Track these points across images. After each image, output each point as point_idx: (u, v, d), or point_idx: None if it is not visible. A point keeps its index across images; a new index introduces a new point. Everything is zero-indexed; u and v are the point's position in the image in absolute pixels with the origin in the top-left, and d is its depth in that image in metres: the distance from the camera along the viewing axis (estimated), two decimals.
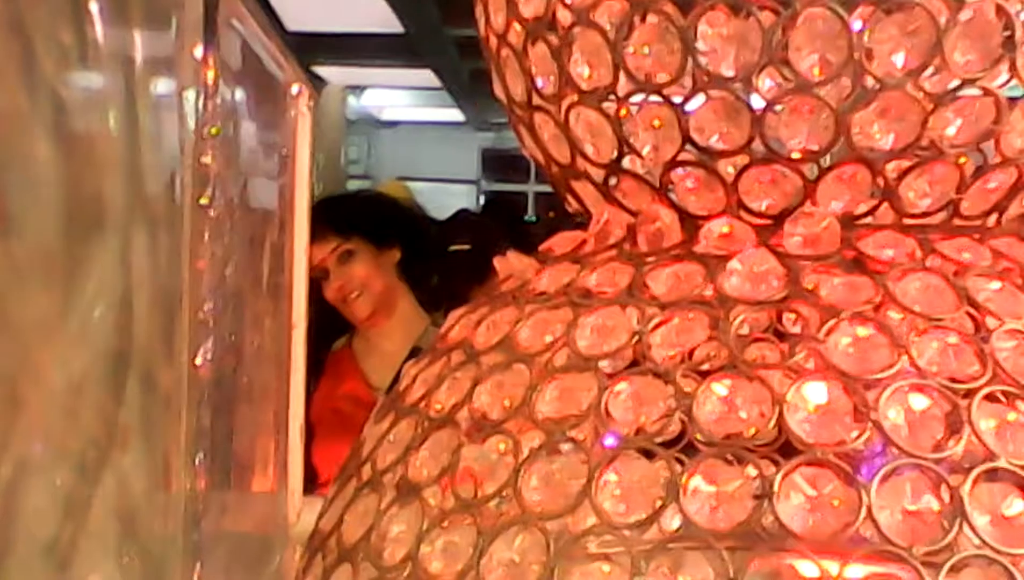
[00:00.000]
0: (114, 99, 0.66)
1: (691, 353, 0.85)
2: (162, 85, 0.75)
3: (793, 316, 0.88)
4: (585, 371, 0.85)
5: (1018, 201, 0.95)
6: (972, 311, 0.85)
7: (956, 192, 0.91)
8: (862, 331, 0.82)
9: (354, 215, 3.42)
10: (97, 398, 0.66)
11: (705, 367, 0.83)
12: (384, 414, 0.98)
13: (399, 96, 14.69)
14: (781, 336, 0.92)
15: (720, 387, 0.80)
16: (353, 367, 3.51)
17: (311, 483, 3.33)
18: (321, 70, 13.48)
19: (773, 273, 0.87)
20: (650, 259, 0.91)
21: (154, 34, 0.73)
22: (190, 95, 0.76)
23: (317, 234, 3.13)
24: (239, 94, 1.03)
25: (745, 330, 0.85)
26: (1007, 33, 0.85)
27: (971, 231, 0.92)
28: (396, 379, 3.68)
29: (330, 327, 3.47)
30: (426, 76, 12.34)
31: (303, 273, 1.33)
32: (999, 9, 0.85)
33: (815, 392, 0.79)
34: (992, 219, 0.94)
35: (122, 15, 0.67)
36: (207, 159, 0.83)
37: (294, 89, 1.33)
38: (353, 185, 15.30)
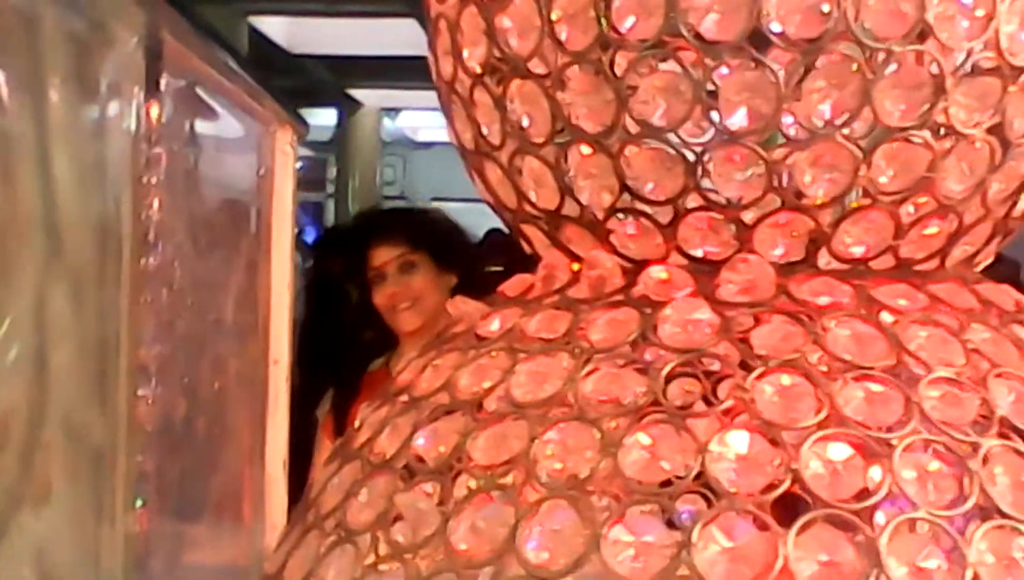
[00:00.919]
0: (25, 154, 0.68)
1: (623, 399, 0.85)
2: (90, 137, 0.77)
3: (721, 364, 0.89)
4: (518, 418, 0.86)
5: (961, 245, 0.95)
6: (905, 357, 0.85)
7: (893, 238, 0.91)
8: (787, 380, 0.82)
9: (427, 230, 3.45)
10: (10, 448, 0.67)
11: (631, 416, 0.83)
12: (334, 457, 1.00)
13: (434, 117, 14.73)
14: (712, 379, 0.92)
15: (644, 436, 0.81)
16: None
17: None
18: (357, 92, 13.56)
19: (707, 321, 0.87)
20: (589, 306, 0.92)
21: (81, 84, 0.75)
22: (122, 146, 0.77)
23: (385, 238, 3.17)
24: (202, 138, 1.05)
25: (674, 381, 0.85)
26: (936, 82, 0.86)
27: (911, 276, 0.93)
28: None
29: (366, 347, 3.49)
30: None
31: (286, 311, 1.35)
32: (927, 59, 0.85)
33: (738, 441, 0.80)
34: (935, 263, 0.95)
35: (38, 65, 0.69)
36: (151, 212, 0.85)
37: (271, 129, 1.35)
38: (388, 206, 15.38)
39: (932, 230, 0.92)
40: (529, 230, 1.01)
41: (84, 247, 0.77)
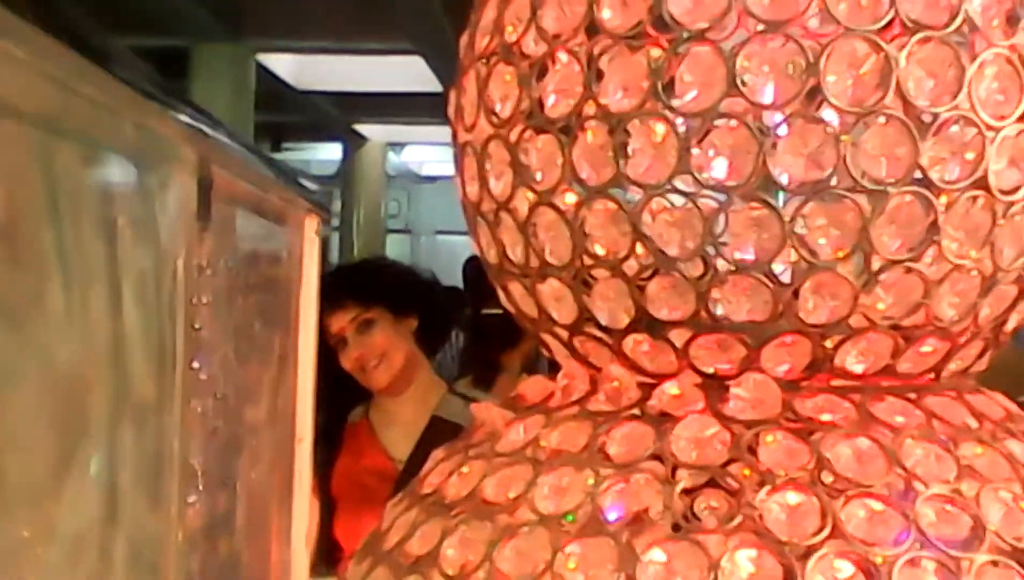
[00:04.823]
0: (101, 300, 0.75)
1: (641, 514, 0.92)
2: (150, 271, 0.84)
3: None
4: (542, 530, 0.92)
5: (955, 360, 1.01)
6: (902, 474, 0.92)
7: (891, 357, 0.98)
8: (793, 498, 0.89)
9: (373, 284, 3.45)
10: (82, 568, 0.74)
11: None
12: (365, 555, 1.06)
13: (438, 152, 14.85)
14: (723, 495, 0.98)
15: (660, 552, 0.87)
16: (372, 439, 3.54)
17: (333, 557, 3.38)
18: (362, 128, 13.68)
19: (718, 437, 0.94)
20: (607, 418, 0.98)
21: (142, 222, 0.82)
22: (177, 274, 0.84)
23: (335, 303, 3.19)
24: (241, 250, 1.11)
25: (688, 495, 0.92)
26: (931, 218, 0.93)
27: (908, 390, 0.99)
28: (415, 452, 3.71)
29: (345, 397, 3.53)
30: None
31: (310, 389, 1.42)
32: (923, 198, 0.92)
33: (747, 559, 0.86)
34: (930, 377, 1.01)
35: (108, 210, 0.76)
36: (201, 332, 0.91)
37: (303, 220, 1.42)
38: (393, 239, 15.47)
39: (927, 349, 0.99)
40: (549, 340, 1.08)
41: (147, 377, 0.84)
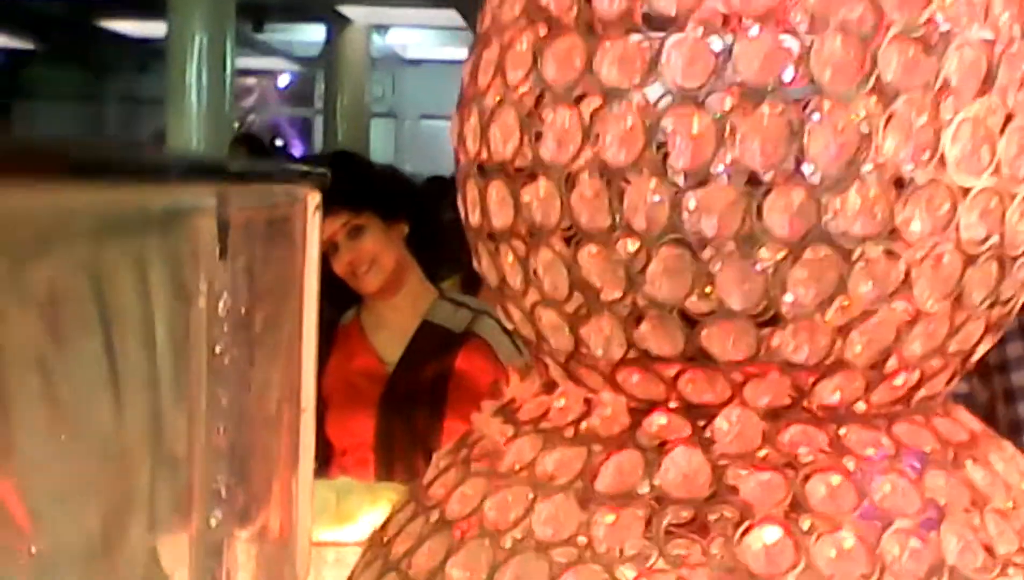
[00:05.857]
0: (140, 375, 0.81)
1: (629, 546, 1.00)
2: (178, 312, 0.91)
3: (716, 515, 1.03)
4: (540, 557, 1.00)
5: (923, 389, 1.09)
6: (870, 508, 1.00)
7: (864, 391, 1.05)
8: (770, 535, 0.97)
9: (365, 190, 3.49)
10: None
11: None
12: (371, 560, 1.14)
13: (423, 35, 14.76)
14: (706, 527, 1.06)
15: None
16: (363, 341, 3.62)
17: (326, 456, 3.50)
18: (346, 9, 13.53)
19: (702, 471, 1.02)
20: (600, 444, 1.06)
21: (171, 271, 0.88)
22: (200, 307, 0.91)
23: (326, 209, 3.24)
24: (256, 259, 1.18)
25: (674, 527, 1.00)
26: (904, 270, 0.99)
27: (878, 419, 1.07)
28: (405, 356, 3.79)
29: (338, 298, 3.59)
30: (450, 15, 12.40)
31: (312, 360, 1.49)
32: (896, 253, 0.99)
33: None
34: (900, 406, 1.09)
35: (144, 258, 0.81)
36: (223, 359, 0.98)
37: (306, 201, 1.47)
38: (377, 123, 15.42)
39: (898, 382, 1.06)
40: (547, 358, 1.15)
41: (178, 430, 0.90)
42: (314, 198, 1.64)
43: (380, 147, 15.04)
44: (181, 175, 0.89)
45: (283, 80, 18.46)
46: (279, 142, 15.90)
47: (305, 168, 1.48)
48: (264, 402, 1.27)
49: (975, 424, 1.13)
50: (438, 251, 3.78)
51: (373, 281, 3.49)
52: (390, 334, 3.61)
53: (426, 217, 3.75)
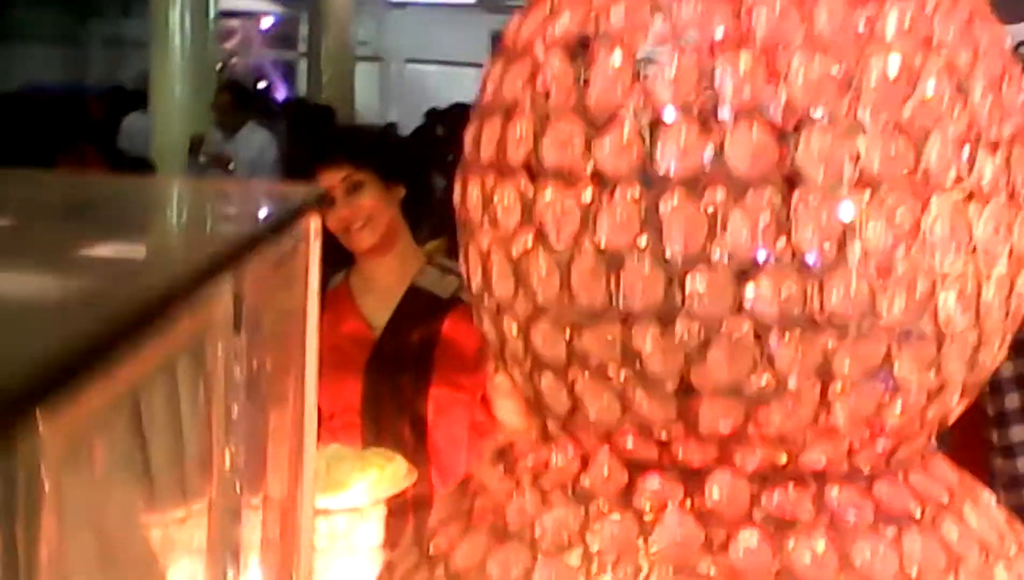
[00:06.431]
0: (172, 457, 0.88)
1: None
2: (195, 390, 0.96)
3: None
4: None
5: (902, 450, 1.15)
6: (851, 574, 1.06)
7: (847, 455, 1.11)
8: None
9: (368, 147, 3.49)
10: None
11: None
12: None
13: None
14: None
15: None
16: (351, 305, 3.64)
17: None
18: None
19: (692, 536, 1.08)
20: (596, 504, 1.12)
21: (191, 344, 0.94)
22: (218, 376, 0.97)
23: (328, 161, 3.23)
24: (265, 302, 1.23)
25: None
26: (886, 348, 1.05)
27: (860, 479, 1.13)
28: (392, 321, 3.78)
29: (328, 259, 3.61)
30: None
31: (314, 365, 1.56)
32: (879, 333, 1.04)
33: None
34: (880, 466, 1.15)
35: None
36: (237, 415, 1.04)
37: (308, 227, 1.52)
38: (362, 67, 15.34)
39: (878, 447, 1.12)
40: (546, 415, 1.21)
41: (201, 486, 0.97)
42: (316, 223, 1.69)
43: (365, 92, 14.98)
44: (203, 279, 0.94)
45: (266, 22, 18.34)
46: (262, 84, 15.82)
47: (305, 192, 1.53)
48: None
49: (952, 476, 1.20)
50: (426, 214, 3.80)
51: (366, 239, 3.47)
52: (378, 298, 3.63)
53: (418, 178, 3.76)
